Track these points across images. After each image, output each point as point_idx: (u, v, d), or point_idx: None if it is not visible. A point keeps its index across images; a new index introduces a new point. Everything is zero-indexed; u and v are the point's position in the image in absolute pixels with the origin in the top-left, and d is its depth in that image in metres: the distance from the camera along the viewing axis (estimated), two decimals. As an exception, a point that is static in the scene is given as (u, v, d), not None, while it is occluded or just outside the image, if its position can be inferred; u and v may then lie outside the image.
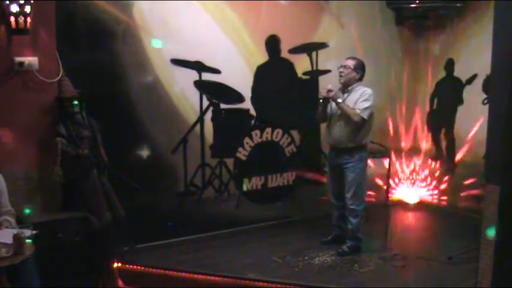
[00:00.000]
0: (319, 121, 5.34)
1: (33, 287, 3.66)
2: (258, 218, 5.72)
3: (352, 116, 4.71)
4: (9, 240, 3.44)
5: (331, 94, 4.74)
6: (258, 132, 5.67)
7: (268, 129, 5.72)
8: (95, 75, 4.65)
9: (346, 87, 4.85)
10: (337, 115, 4.84)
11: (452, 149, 6.31)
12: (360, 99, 4.76)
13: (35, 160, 4.35)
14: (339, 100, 4.74)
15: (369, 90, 4.83)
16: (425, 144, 6.59)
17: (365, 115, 4.74)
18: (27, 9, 4.12)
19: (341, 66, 4.88)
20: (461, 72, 6.15)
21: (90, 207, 4.38)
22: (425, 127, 6.57)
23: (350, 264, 4.78)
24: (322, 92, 4.80)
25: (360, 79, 4.87)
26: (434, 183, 6.52)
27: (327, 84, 4.89)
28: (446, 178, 6.39)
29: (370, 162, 5.34)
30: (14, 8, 4.08)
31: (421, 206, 6.45)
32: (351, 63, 4.85)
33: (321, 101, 4.86)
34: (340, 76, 4.85)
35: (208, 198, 5.44)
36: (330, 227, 5.26)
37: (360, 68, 4.87)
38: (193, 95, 5.24)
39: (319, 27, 5.88)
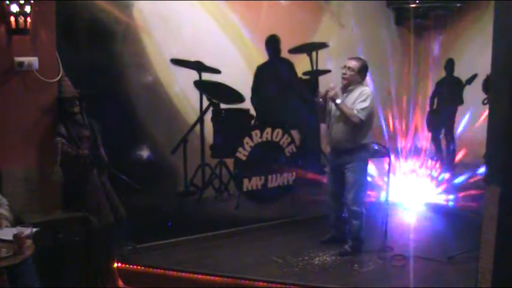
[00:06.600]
0: (320, 122, 5.37)
1: (33, 287, 3.65)
2: (258, 218, 5.71)
3: (351, 117, 4.69)
4: (8, 237, 3.43)
5: (331, 94, 4.71)
6: (258, 132, 5.66)
7: (268, 129, 5.71)
8: (95, 75, 4.65)
9: (347, 88, 4.84)
10: (337, 116, 4.83)
11: (452, 149, 6.30)
12: (358, 100, 4.74)
13: (35, 160, 4.35)
14: (338, 101, 4.71)
15: (367, 90, 4.81)
16: (425, 144, 6.58)
17: (363, 116, 4.71)
18: (27, 9, 4.11)
19: (344, 66, 4.83)
20: (461, 72, 6.15)
21: (90, 207, 4.37)
22: (425, 127, 6.56)
23: (350, 264, 4.79)
24: (322, 91, 4.79)
25: (362, 81, 4.86)
26: (434, 183, 6.51)
27: (330, 83, 4.87)
28: (446, 178, 6.38)
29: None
30: (14, 8, 4.08)
31: (422, 206, 6.44)
32: (355, 65, 4.77)
33: (320, 99, 4.85)
34: (343, 78, 4.80)
35: (208, 198, 5.44)
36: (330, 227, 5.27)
37: (364, 70, 4.83)
38: (193, 95, 5.24)
39: (319, 27, 5.87)
